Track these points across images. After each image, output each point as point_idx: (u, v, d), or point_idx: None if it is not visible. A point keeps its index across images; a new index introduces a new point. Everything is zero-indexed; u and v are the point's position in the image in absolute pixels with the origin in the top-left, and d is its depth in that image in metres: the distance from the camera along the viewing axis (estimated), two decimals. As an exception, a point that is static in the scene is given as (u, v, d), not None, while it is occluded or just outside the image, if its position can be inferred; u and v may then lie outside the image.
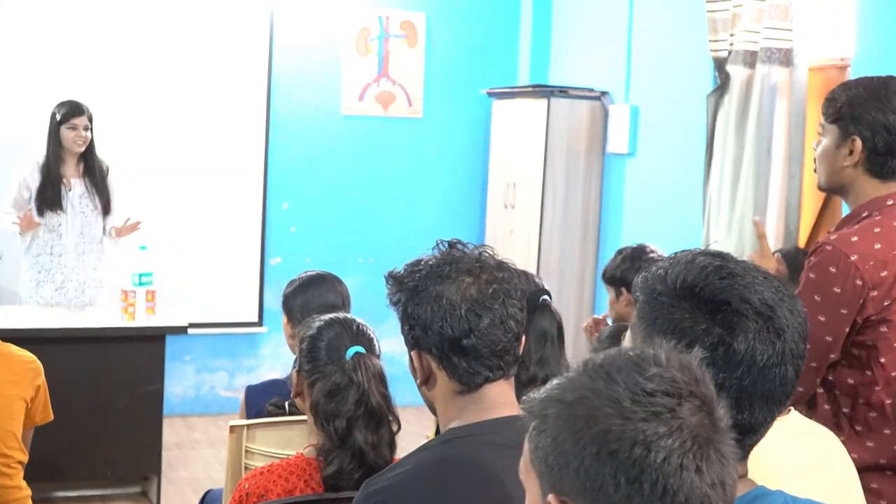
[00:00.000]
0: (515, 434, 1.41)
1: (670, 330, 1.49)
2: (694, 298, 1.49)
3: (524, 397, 1.31)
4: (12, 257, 5.50)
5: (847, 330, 2.67)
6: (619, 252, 4.16)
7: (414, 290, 2.02)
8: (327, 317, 2.71)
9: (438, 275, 2.00)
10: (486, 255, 2.07)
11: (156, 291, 5.38)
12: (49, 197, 5.50)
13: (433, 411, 2.11)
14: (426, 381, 2.05)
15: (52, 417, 3.70)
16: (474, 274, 2.01)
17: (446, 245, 2.08)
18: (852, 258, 2.62)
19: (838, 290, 2.63)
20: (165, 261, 6.15)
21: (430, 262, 2.04)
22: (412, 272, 2.04)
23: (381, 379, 2.57)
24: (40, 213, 5.51)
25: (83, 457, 5.22)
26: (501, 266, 2.06)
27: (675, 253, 1.63)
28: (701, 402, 1.21)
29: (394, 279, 2.07)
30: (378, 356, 2.67)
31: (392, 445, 2.56)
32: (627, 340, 1.64)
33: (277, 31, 6.98)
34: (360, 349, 2.58)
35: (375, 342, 2.69)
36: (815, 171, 2.89)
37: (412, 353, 2.05)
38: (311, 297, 3.46)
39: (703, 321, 1.47)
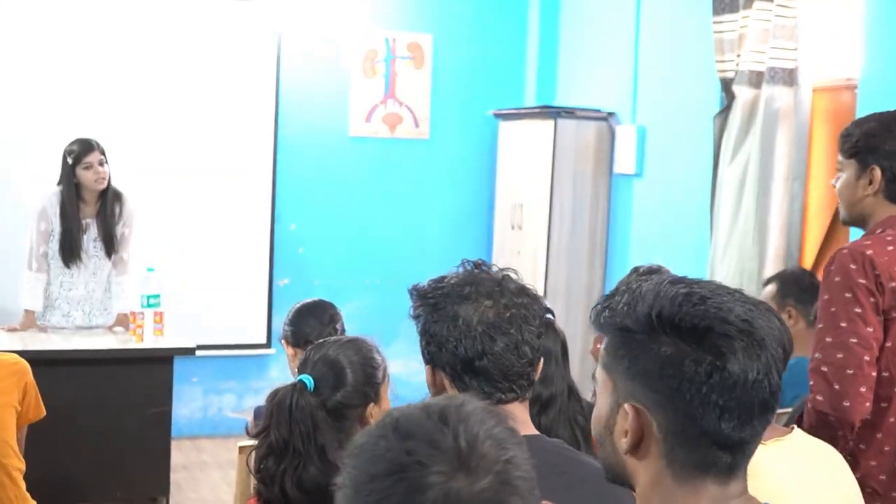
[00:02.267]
0: (533, 454, 1.41)
1: (657, 366, 1.44)
2: (674, 330, 1.44)
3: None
4: (9, 277, 5.47)
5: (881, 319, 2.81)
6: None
7: (434, 306, 2.02)
8: (327, 339, 2.70)
9: (459, 295, 2.01)
10: (509, 278, 2.07)
11: (164, 313, 5.38)
12: (69, 248, 5.49)
13: None
14: None
15: (44, 413, 3.66)
16: (494, 297, 2.01)
17: (471, 265, 2.08)
18: (868, 252, 2.79)
19: (863, 281, 2.78)
20: (173, 282, 6.15)
21: (453, 281, 2.04)
22: (434, 288, 2.05)
23: (290, 415, 2.42)
24: (64, 262, 5.50)
25: (92, 479, 5.21)
26: (522, 291, 2.06)
27: (627, 286, 1.55)
28: (435, 472, 1.18)
29: (416, 293, 2.08)
30: (371, 384, 2.58)
31: (317, 482, 2.37)
32: (601, 389, 1.56)
33: (284, 53, 7.01)
34: (304, 380, 2.49)
35: (343, 374, 2.54)
36: (838, 206, 3.09)
37: (427, 368, 2.06)
38: (308, 324, 3.63)
39: (690, 352, 1.43)
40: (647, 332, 1.46)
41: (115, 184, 5.61)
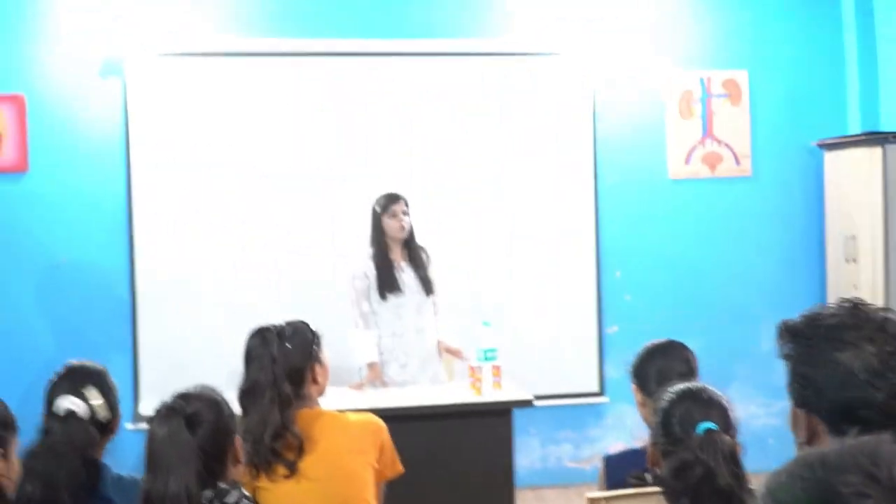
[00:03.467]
0: None
1: None
2: None
3: None
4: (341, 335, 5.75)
5: None
6: None
7: (809, 348, 1.95)
8: (679, 388, 2.69)
9: (837, 339, 1.92)
10: (892, 321, 1.95)
11: (501, 367, 5.51)
12: (388, 280, 5.82)
13: None
14: (810, 440, 1.98)
15: (401, 470, 3.71)
16: (876, 342, 1.91)
17: (849, 304, 1.98)
18: None
19: None
20: (506, 334, 6.30)
21: (830, 322, 1.95)
22: (809, 327, 1.96)
23: (732, 457, 2.44)
24: (382, 296, 5.81)
25: (440, 531, 5.36)
26: None
27: None
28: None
29: (789, 333, 2.00)
30: (733, 429, 2.60)
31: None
32: None
33: (599, 101, 7.09)
34: (712, 425, 2.49)
35: (730, 413, 2.61)
36: None
37: (799, 410, 1.99)
38: (659, 366, 3.48)
39: None
40: None
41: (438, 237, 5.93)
